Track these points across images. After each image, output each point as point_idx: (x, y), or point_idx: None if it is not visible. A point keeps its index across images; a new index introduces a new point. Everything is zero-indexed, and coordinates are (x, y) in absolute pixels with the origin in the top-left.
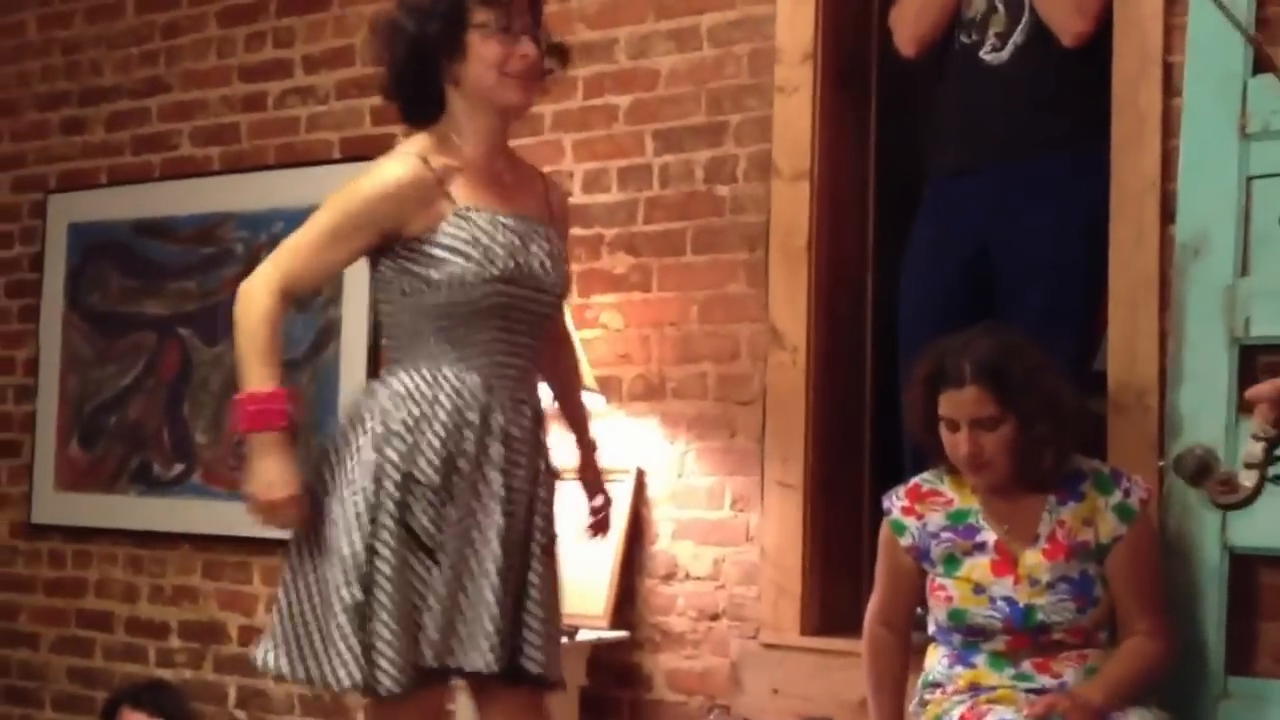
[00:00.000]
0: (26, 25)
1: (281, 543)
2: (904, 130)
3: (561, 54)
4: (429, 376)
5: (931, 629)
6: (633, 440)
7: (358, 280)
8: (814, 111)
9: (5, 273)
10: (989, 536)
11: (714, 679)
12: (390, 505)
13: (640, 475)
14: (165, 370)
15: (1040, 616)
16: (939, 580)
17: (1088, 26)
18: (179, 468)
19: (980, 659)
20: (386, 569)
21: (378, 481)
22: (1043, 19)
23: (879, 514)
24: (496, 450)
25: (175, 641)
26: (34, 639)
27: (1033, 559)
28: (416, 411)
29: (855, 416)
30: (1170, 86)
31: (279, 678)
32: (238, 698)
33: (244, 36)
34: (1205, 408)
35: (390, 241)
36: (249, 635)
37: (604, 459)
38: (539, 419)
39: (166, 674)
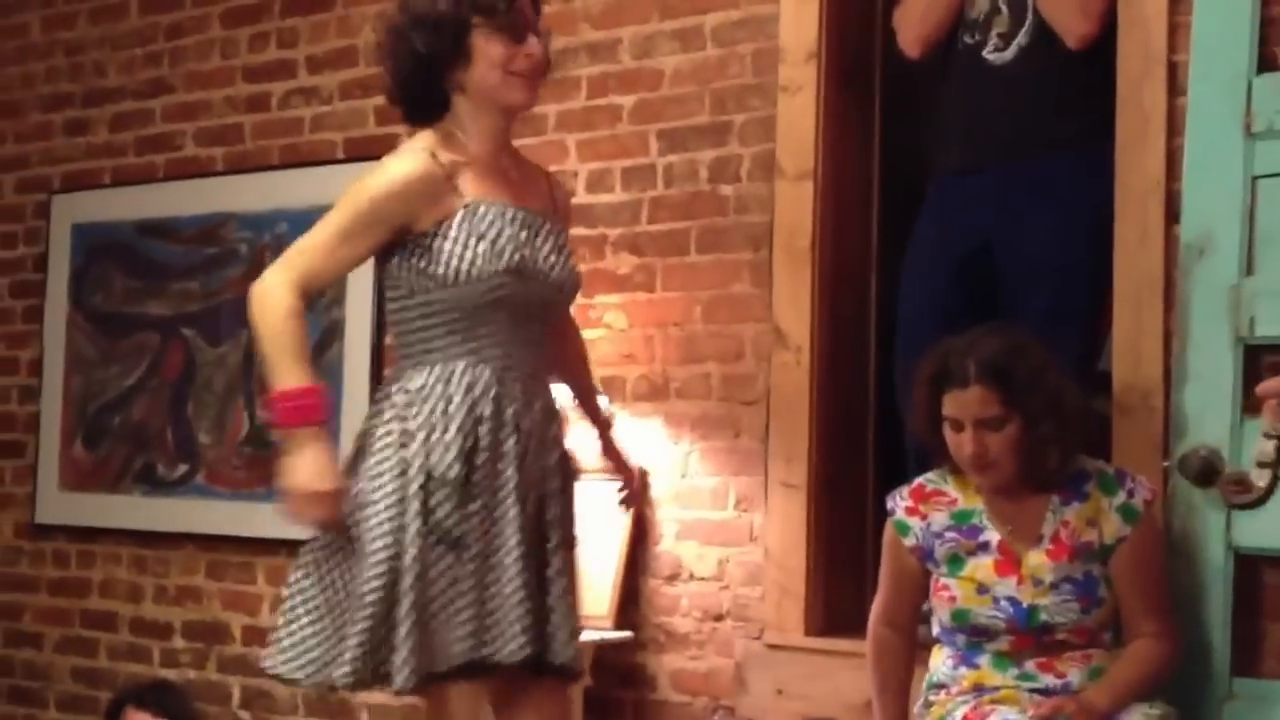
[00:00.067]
0: (30, 26)
1: (284, 543)
2: (908, 130)
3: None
4: (441, 373)
5: (936, 630)
6: (637, 441)
7: (361, 281)
8: (818, 111)
9: (9, 273)
10: (992, 536)
11: (718, 679)
12: (415, 505)
13: (644, 475)
14: (169, 370)
15: (1044, 617)
16: (943, 580)
17: (1092, 28)
18: (183, 468)
19: (984, 659)
20: (414, 568)
21: (401, 481)
22: (1047, 20)
23: (883, 514)
24: (510, 443)
25: (179, 641)
26: (38, 639)
27: (1036, 559)
28: (432, 409)
29: (859, 416)
30: (1175, 86)
31: (291, 682)
32: (242, 698)
33: (247, 37)
34: (1210, 408)
35: (400, 237)
36: (253, 635)
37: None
38: (550, 412)
39: (171, 674)
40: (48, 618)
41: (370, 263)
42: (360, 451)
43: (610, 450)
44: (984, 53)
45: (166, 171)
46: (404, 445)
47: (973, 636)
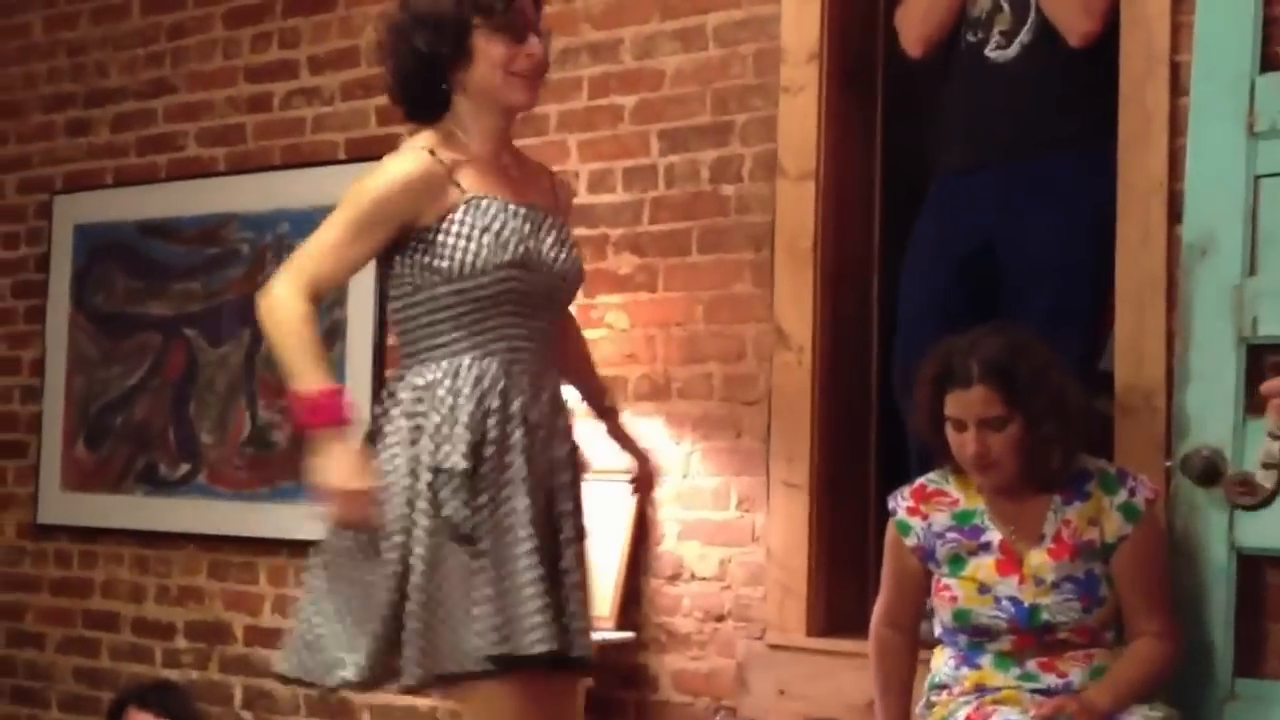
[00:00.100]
0: (32, 27)
1: (285, 543)
2: (910, 130)
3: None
4: (448, 368)
5: (938, 630)
6: (638, 440)
7: (362, 281)
8: (819, 111)
9: (11, 274)
10: (994, 536)
11: (720, 680)
12: (424, 502)
13: (632, 483)
14: (171, 371)
15: (1045, 616)
16: (944, 580)
17: (1095, 26)
18: (185, 468)
19: (986, 659)
20: (424, 564)
21: (412, 478)
22: (1049, 19)
23: (885, 514)
24: (518, 435)
25: (181, 642)
26: (40, 639)
27: (1038, 559)
28: (440, 404)
29: (861, 416)
30: (1177, 85)
31: (302, 684)
32: (244, 698)
33: (249, 37)
34: (1213, 408)
35: (404, 235)
36: (255, 635)
37: (611, 455)
38: (558, 404)
39: (172, 674)
40: (50, 618)
41: (372, 263)
42: (368, 449)
43: (621, 436)
44: (986, 51)
45: (168, 172)
46: (413, 441)
47: (974, 637)
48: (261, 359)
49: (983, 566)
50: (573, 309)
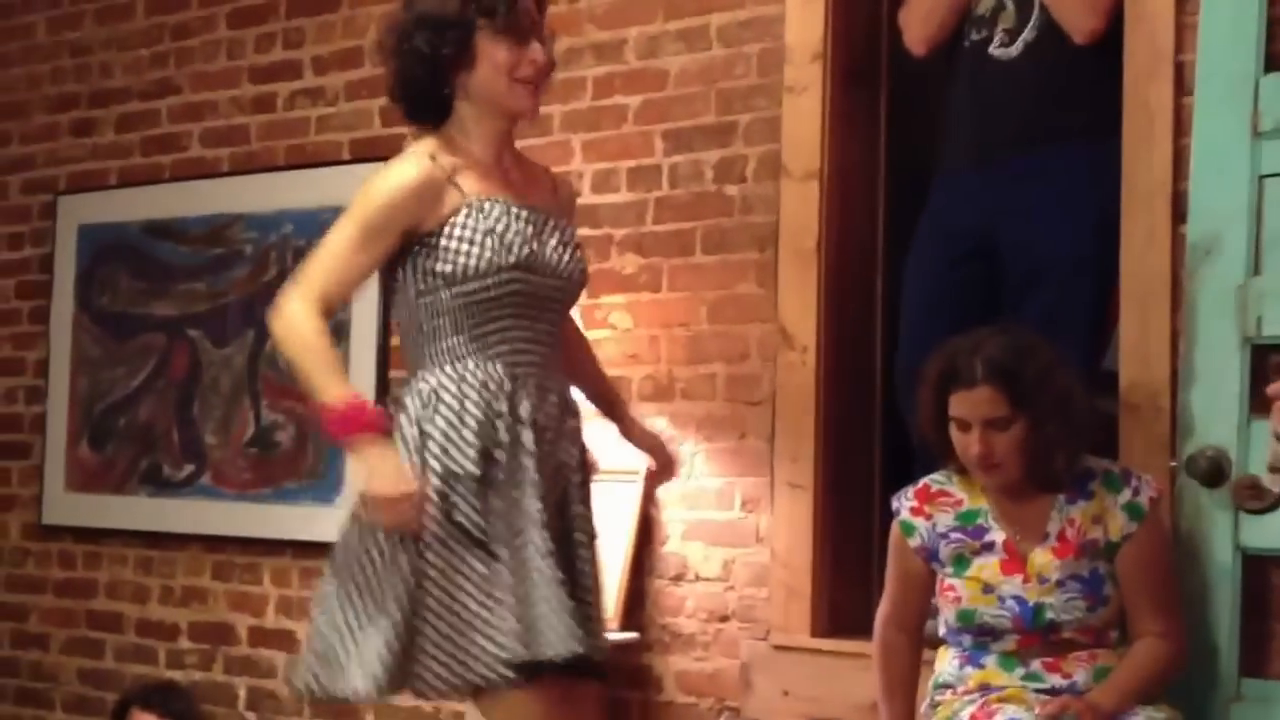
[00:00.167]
0: (36, 27)
1: (289, 543)
2: (915, 129)
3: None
4: (453, 373)
5: (942, 631)
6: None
7: (367, 284)
8: (823, 111)
9: (15, 274)
10: (998, 536)
11: (724, 681)
12: (435, 508)
13: (650, 476)
14: (175, 371)
15: (1050, 615)
16: (948, 580)
17: (1100, 23)
18: (189, 468)
19: (990, 659)
20: (439, 571)
21: (420, 484)
22: (1054, 16)
23: (890, 514)
24: (528, 437)
25: (185, 643)
26: (44, 640)
27: (1042, 558)
28: (448, 409)
29: (865, 417)
30: (1181, 85)
31: (317, 697)
32: (248, 699)
33: (254, 38)
34: (1217, 408)
35: (407, 241)
36: (259, 636)
37: (614, 456)
38: (566, 405)
39: (176, 675)
40: (54, 619)
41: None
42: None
43: (637, 433)
44: (990, 49)
45: (172, 172)
46: (421, 448)
47: (979, 636)
48: (265, 359)
49: (987, 566)
50: (575, 311)
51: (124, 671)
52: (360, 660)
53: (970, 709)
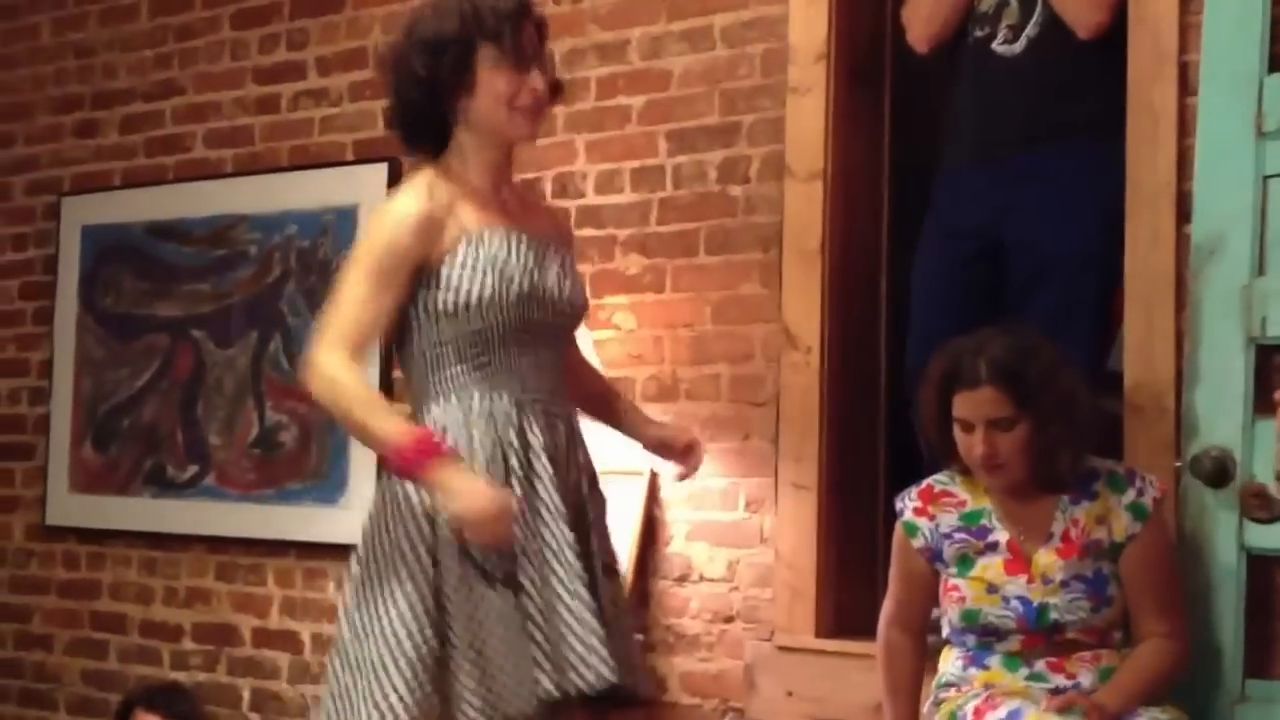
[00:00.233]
0: (40, 28)
1: (293, 544)
2: (919, 128)
3: (556, 90)
4: (459, 404)
5: (946, 631)
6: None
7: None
8: (827, 111)
9: (19, 275)
10: (1001, 536)
11: (728, 681)
12: (449, 545)
13: (654, 477)
14: (179, 372)
15: (1054, 615)
16: (952, 581)
17: (1105, 17)
18: (193, 469)
19: (994, 660)
20: (457, 611)
21: (432, 522)
22: (1057, 11)
23: (894, 515)
24: (543, 466)
25: (189, 644)
26: (48, 641)
27: (1046, 558)
28: (455, 442)
29: (870, 417)
30: (1186, 85)
31: None
32: (251, 700)
33: (257, 39)
34: (1222, 408)
35: (420, 275)
36: (262, 637)
37: (618, 455)
38: (573, 435)
39: (180, 676)
40: (58, 620)
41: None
42: (388, 498)
43: (650, 429)
44: (993, 46)
45: (176, 173)
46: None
47: (983, 637)
48: (268, 360)
49: (991, 566)
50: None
51: (128, 672)
52: (379, 701)
53: (975, 702)
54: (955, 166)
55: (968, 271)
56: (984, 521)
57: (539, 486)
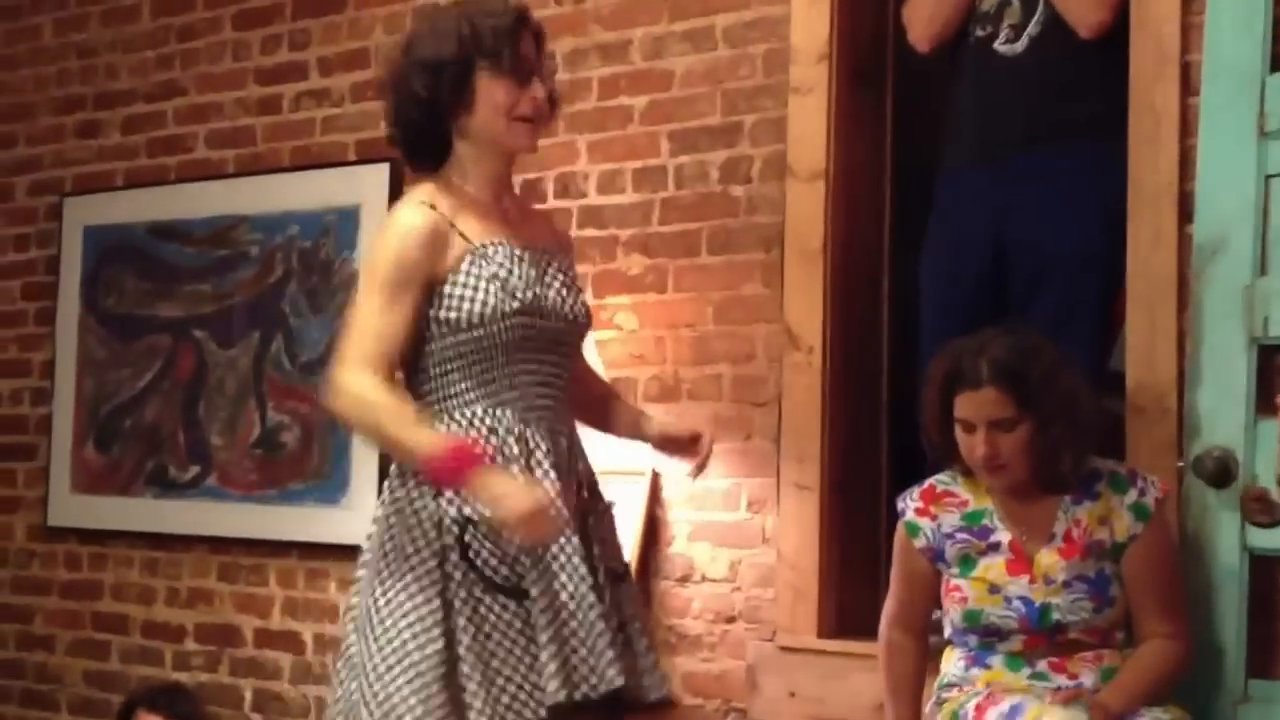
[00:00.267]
0: (42, 29)
1: (295, 545)
2: (921, 128)
3: (553, 102)
4: (463, 419)
5: (948, 632)
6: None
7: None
8: (829, 112)
9: (21, 275)
10: (1004, 537)
11: (730, 682)
12: (455, 555)
13: (655, 477)
14: (180, 372)
15: (1056, 616)
16: (954, 581)
17: (1107, 16)
18: (194, 470)
19: (996, 660)
20: (464, 620)
21: (438, 531)
22: (1059, 10)
23: (896, 515)
24: (551, 479)
25: (191, 644)
26: (50, 641)
27: (1048, 558)
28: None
29: (872, 417)
30: (1188, 85)
31: None
32: (254, 701)
33: (259, 39)
34: (1224, 408)
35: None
36: (265, 638)
37: (619, 456)
38: (574, 448)
39: (182, 677)
40: (59, 620)
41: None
42: (390, 503)
43: (668, 441)
44: (995, 45)
45: (178, 174)
46: (435, 494)
47: (985, 637)
48: (270, 360)
49: (993, 567)
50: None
51: (129, 673)
52: (390, 707)
53: (976, 699)
54: (956, 166)
55: (974, 273)
56: (986, 522)
57: None
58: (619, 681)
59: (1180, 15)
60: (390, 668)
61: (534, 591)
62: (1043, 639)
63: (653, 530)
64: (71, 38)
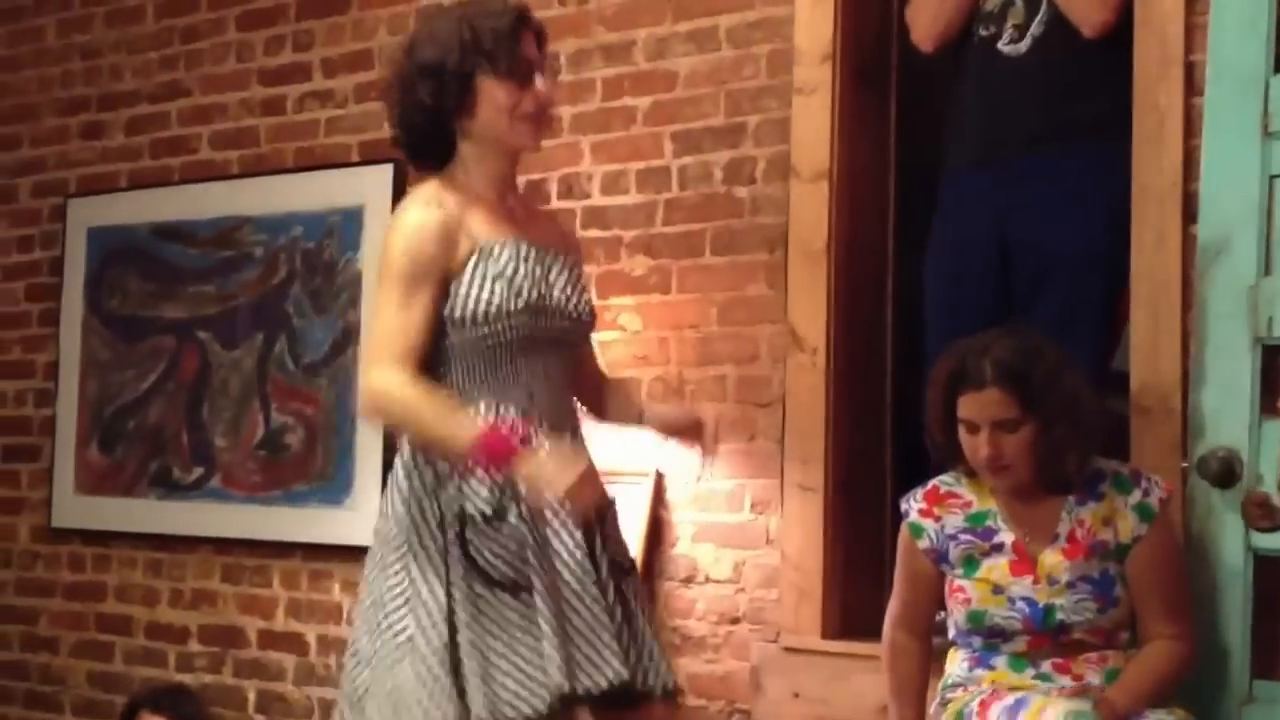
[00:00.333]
0: (46, 30)
1: (299, 546)
2: (925, 128)
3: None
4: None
5: (952, 633)
6: (652, 443)
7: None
8: (833, 112)
9: (25, 277)
10: (1007, 538)
11: (734, 683)
12: (457, 550)
13: (659, 478)
14: (184, 374)
15: (1060, 616)
16: (958, 582)
17: (1110, 15)
18: (198, 471)
19: (1000, 661)
20: (465, 614)
21: (441, 526)
22: (1062, 9)
23: (900, 515)
24: None
25: (195, 645)
26: (54, 643)
27: (1052, 559)
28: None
29: (876, 418)
30: (1192, 86)
31: None
32: (257, 702)
33: (263, 40)
34: (1229, 409)
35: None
36: (268, 639)
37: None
38: (578, 443)
39: (186, 678)
40: (63, 621)
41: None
42: (398, 503)
43: (669, 424)
44: (999, 46)
45: (182, 175)
46: (436, 489)
47: (989, 638)
48: (274, 361)
49: (996, 568)
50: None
51: (133, 674)
52: (422, 696)
53: (981, 695)
54: (960, 166)
55: (978, 272)
56: (989, 523)
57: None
58: (622, 676)
59: (1184, 15)
60: (398, 660)
61: (537, 585)
62: (1047, 640)
63: (656, 531)
64: (75, 39)
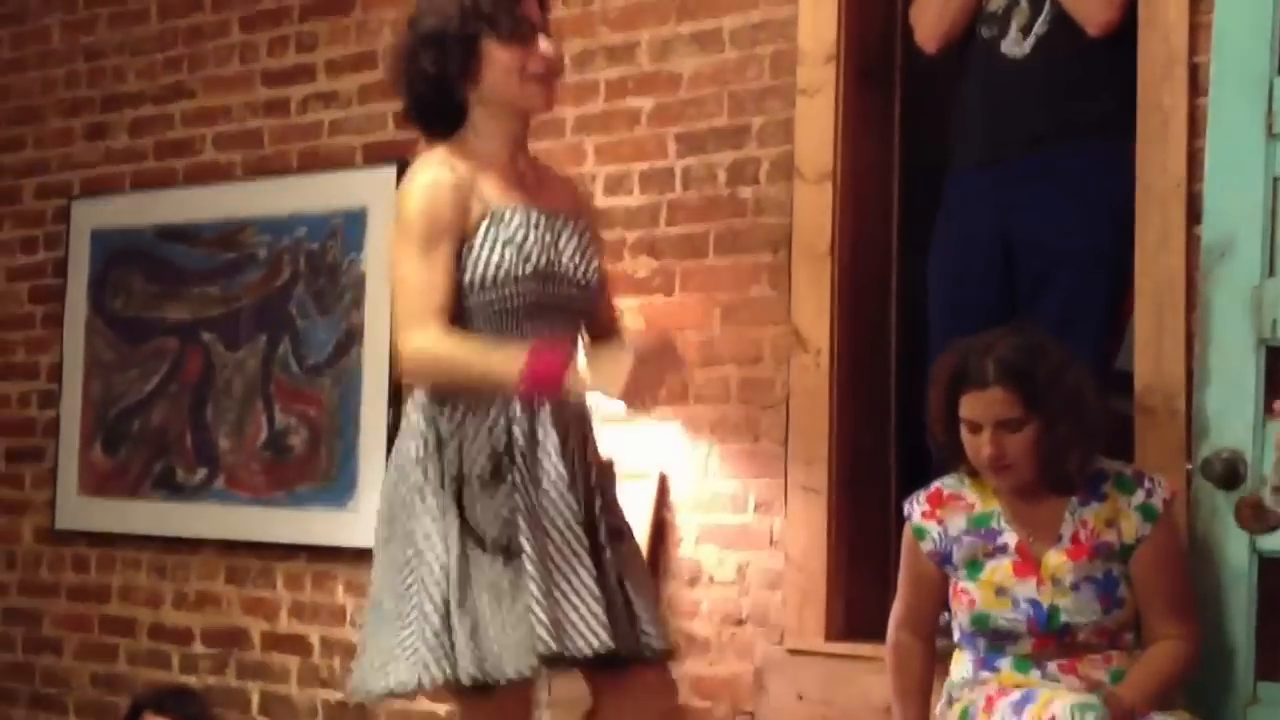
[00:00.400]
0: (50, 31)
1: (302, 548)
2: (929, 128)
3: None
4: None
5: (956, 635)
6: (655, 444)
7: (379, 284)
8: (836, 113)
9: (29, 278)
10: (1011, 539)
11: (738, 685)
12: (454, 510)
13: (663, 480)
14: (188, 375)
15: (1064, 618)
16: (961, 584)
17: (1114, 14)
18: (202, 472)
19: (1005, 662)
20: (455, 575)
21: (442, 485)
22: (1066, 9)
23: (904, 517)
24: (552, 440)
25: (198, 647)
26: (58, 644)
27: (1055, 560)
28: (464, 414)
29: (880, 419)
30: (1196, 86)
31: (375, 699)
32: (260, 704)
33: (267, 42)
34: (1232, 410)
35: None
36: (272, 641)
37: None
38: (582, 412)
39: (189, 680)
40: (67, 623)
41: (388, 269)
42: (398, 462)
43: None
44: (1003, 46)
45: (186, 176)
46: (438, 451)
47: (994, 640)
48: (278, 362)
49: (1000, 569)
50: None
51: (137, 676)
52: (388, 661)
53: (988, 692)
54: (964, 166)
55: (981, 272)
56: (993, 524)
57: (543, 458)
58: (609, 645)
59: (1188, 16)
60: (401, 614)
61: (527, 549)
62: (1051, 641)
63: (660, 533)
64: (79, 40)
